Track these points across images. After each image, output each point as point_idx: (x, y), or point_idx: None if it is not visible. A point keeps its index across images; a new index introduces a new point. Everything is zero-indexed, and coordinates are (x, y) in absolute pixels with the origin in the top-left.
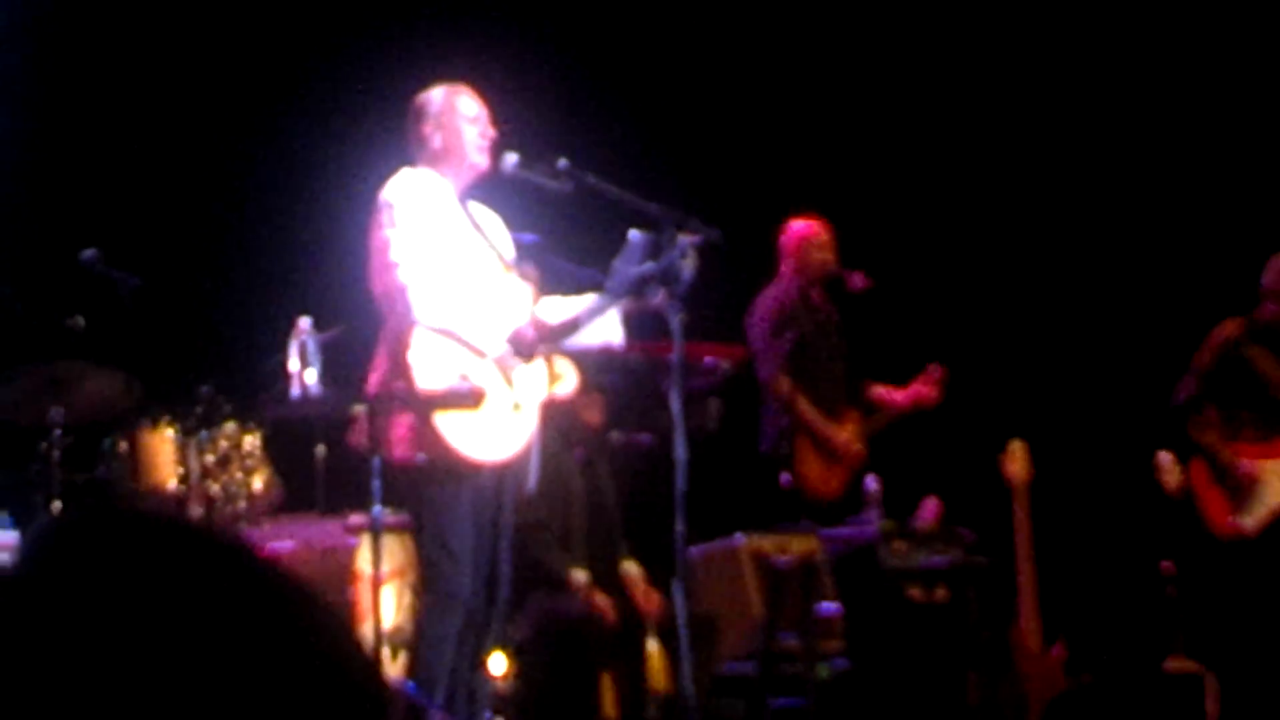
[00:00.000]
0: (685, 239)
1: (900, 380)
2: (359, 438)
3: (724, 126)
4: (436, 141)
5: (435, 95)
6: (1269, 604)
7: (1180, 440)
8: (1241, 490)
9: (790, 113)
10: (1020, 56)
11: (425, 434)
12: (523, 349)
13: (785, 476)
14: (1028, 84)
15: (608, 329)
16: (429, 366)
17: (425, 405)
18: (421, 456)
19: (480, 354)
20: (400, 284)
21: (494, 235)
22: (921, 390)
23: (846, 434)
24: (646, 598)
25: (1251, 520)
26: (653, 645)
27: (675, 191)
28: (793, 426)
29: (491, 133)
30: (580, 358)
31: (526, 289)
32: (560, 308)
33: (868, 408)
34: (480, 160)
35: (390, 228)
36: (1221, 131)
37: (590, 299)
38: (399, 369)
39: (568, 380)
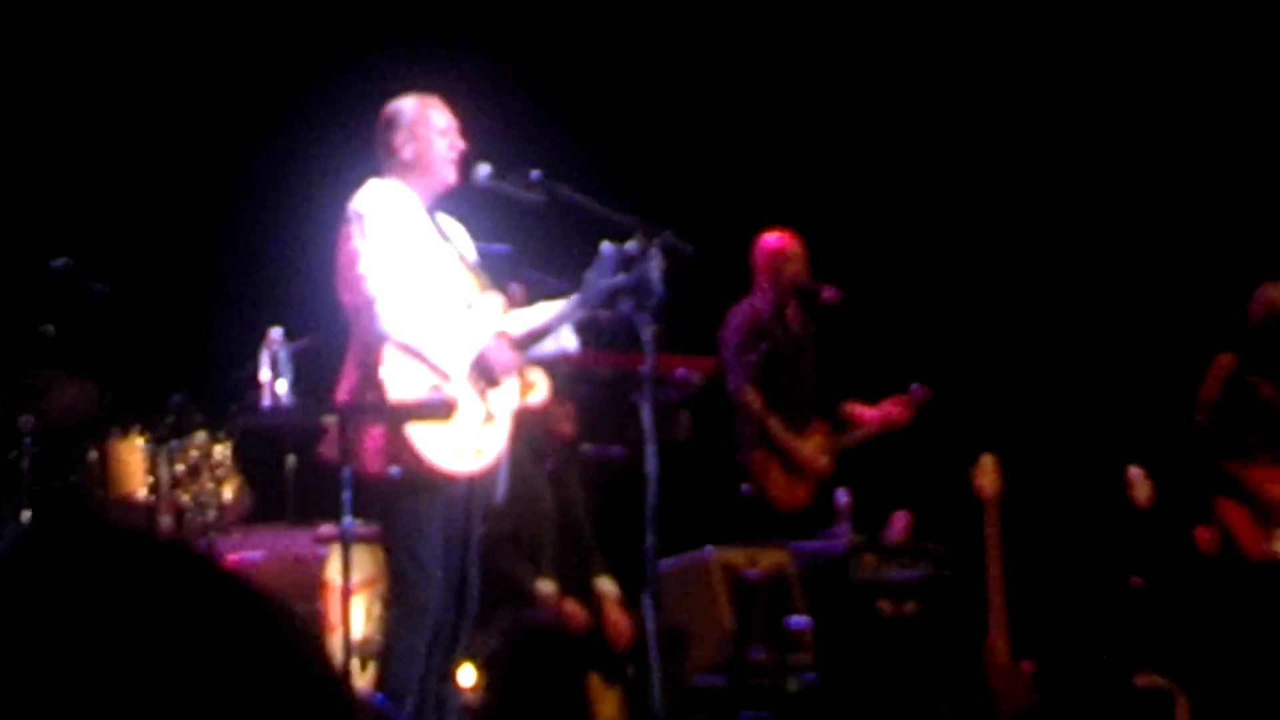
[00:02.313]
0: (656, 251)
1: (872, 396)
2: (329, 450)
3: (699, 139)
4: (408, 153)
5: (407, 105)
6: None
7: (1203, 470)
8: (1271, 514)
9: (765, 126)
10: (989, 70)
11: (397, 446)
12: (490, 372)
13: (745, 486)
14: (996, 100)
15: (562, 336)
16: (400, 378)
17: (397, 416)
18: (395, 470)
19: (444, 377)
20: (370, 296)
21: (462, 247)
22: (893, 411)
23: (811, 447)
24: (616, 626)
25: None
26: (599, 685)
27: (648, 204)
28: (755, 438)
29: (460, 145)
30: (551, 367)
31: (497, 301)
32: (526, 318)
33: (839, 422)
34: (449, 174)
35: (360, 239)
36: (1190, 153)
37: (556, 306)
38: (369, 381)
39: (540, 389)
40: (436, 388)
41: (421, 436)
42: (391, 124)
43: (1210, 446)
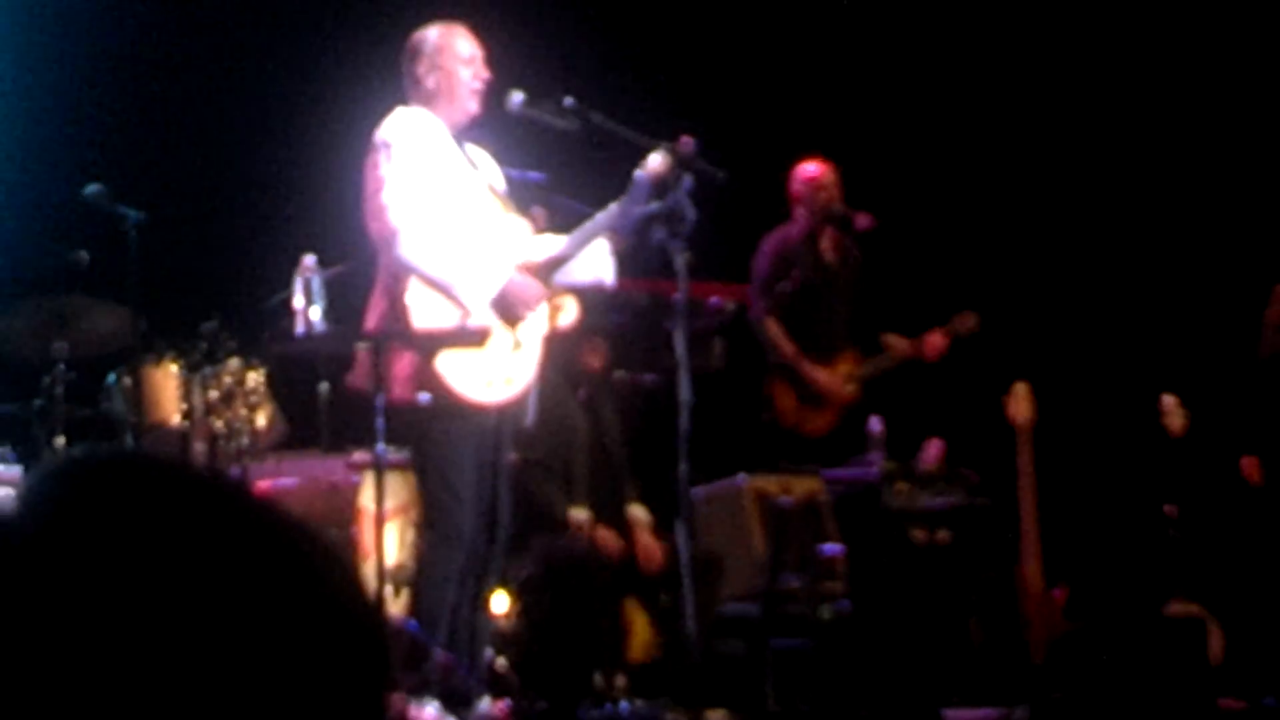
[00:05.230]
0: (689, 178)
1: (905, 324)
2: (358, 380)
3: (737, 66)
4: (430, 82)
5: (431, 35)
6: None
7: (1264, 395)
8: None
9: (805, 53)
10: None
11: (426, 374)
12: (513, 309)
13: (765, 414)
14: (1040, 22)
15: (600, 265)
16: (425, 309)
17: (431, 343)
18: (424, 396)
19: (466, 311)
20: (393, 227)
21: (490, 175)
22: (927, 342)
23: (834, 375)
24: (647, 552)
25: None
26: (635, 608)
27: (683, 130)
28: (774, 366)
29: (485, 75)
30: (583, 299)
31: (524, 227)
32: (553, 243)
33: (873, 350)
34: (472, 104)
35: (386, 167)
36: (1228, 76)
37: (582, 227)
38: (396, 310)
39: (569, 311)
40: (463, 318)
41: (450, 367)
42: (416, 53)
43: (1274, 371)
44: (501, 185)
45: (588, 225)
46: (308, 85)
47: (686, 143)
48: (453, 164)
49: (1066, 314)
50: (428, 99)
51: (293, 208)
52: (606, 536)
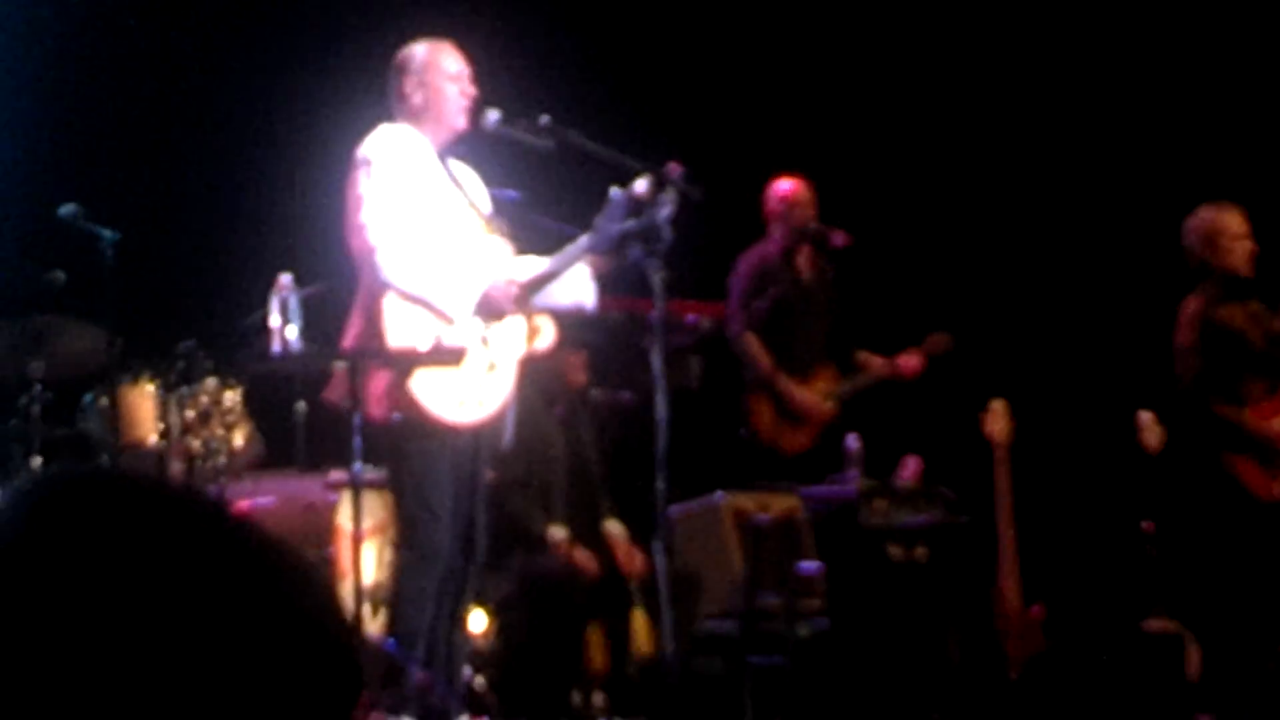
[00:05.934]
0: (666, 196)
1: (882, 341)
2: (332, 394)
3: (712, 84)
4: (417, 99)
5: (418, 51)
6: None
7: (1200, 422)
8: (1275, 453)
9: (779, 71)
10: (1001, 15)
11: (400, 393)
12: (495, 309)
13: (742, 430)
14: (1010, 43)
15: (580, 289)
16: (401, 326)
17: (407, 362)
18: (397, 416)
19: (448, 320)
20: (371, 244)
21: (473, 193)
22: (906, 360)
23: (812, 393)
24: (629, 558)
25: None
26: (637, 607)
27: (660, 149)
28: (754, 383)
29: (472, 91)
30: (560, 316)
31: (505, 246)
32: (536, 265)
33: (849, 368)
34: (459, 120)
35: (367, 184)
36: (1205, 95)
37: (564, 250)
38: (373, 328)
39: (546, 334)
40: (438, 338)
41: (423, 387)
42: (402, 70)
43: (1201, 396)
44: (486, 204)
45: (570, 248)
46: (284, 103)
47: (674, 168)
48: (435, 182)
49: (1043, 331)
50: (414, 116)
51: (268, 226)
52: (584, 558)
